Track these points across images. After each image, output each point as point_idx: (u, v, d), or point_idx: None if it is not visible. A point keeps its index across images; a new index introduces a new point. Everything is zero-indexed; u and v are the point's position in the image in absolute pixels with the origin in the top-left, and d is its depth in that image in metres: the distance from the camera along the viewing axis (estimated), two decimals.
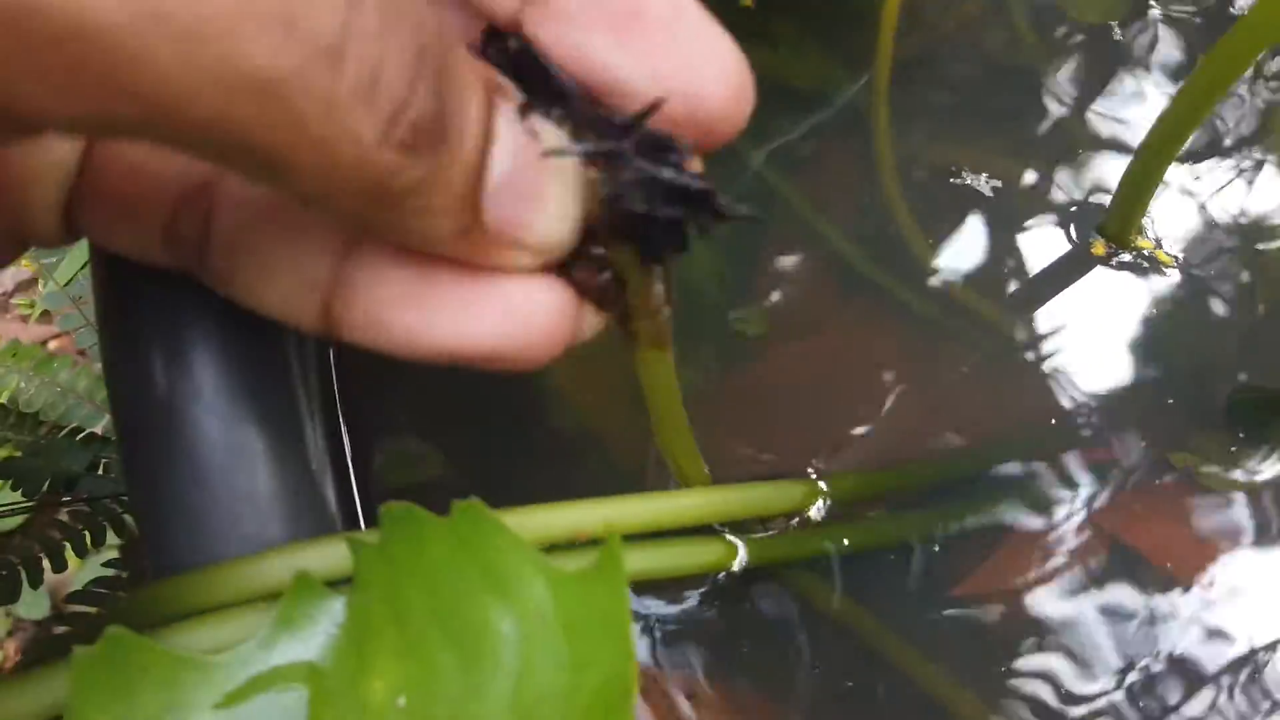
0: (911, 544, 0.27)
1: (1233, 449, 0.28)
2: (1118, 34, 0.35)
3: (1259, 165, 0.33)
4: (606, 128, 0.15)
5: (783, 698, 0.26)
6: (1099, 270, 0.31)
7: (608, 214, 0.16)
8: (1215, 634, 0.26)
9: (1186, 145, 0.29)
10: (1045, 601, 0.26)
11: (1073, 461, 0.28)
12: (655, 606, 0.27)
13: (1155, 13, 0.35)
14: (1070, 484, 0.28)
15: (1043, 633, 0.26)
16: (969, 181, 0.33)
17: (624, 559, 0.14)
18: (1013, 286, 0.31)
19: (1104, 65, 0.35)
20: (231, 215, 0.17)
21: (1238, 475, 0.28)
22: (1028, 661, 0.26)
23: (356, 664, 0.16)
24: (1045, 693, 0.26)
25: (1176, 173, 0.33)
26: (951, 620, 0.26)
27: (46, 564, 0.40)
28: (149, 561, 0.19)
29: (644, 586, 0.26)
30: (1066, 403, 0.29)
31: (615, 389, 0.30)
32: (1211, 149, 0.33)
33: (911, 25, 0.35)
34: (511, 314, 0.16)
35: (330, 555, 0.18)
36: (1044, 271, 0.31)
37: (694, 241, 0.16)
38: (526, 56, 0.15)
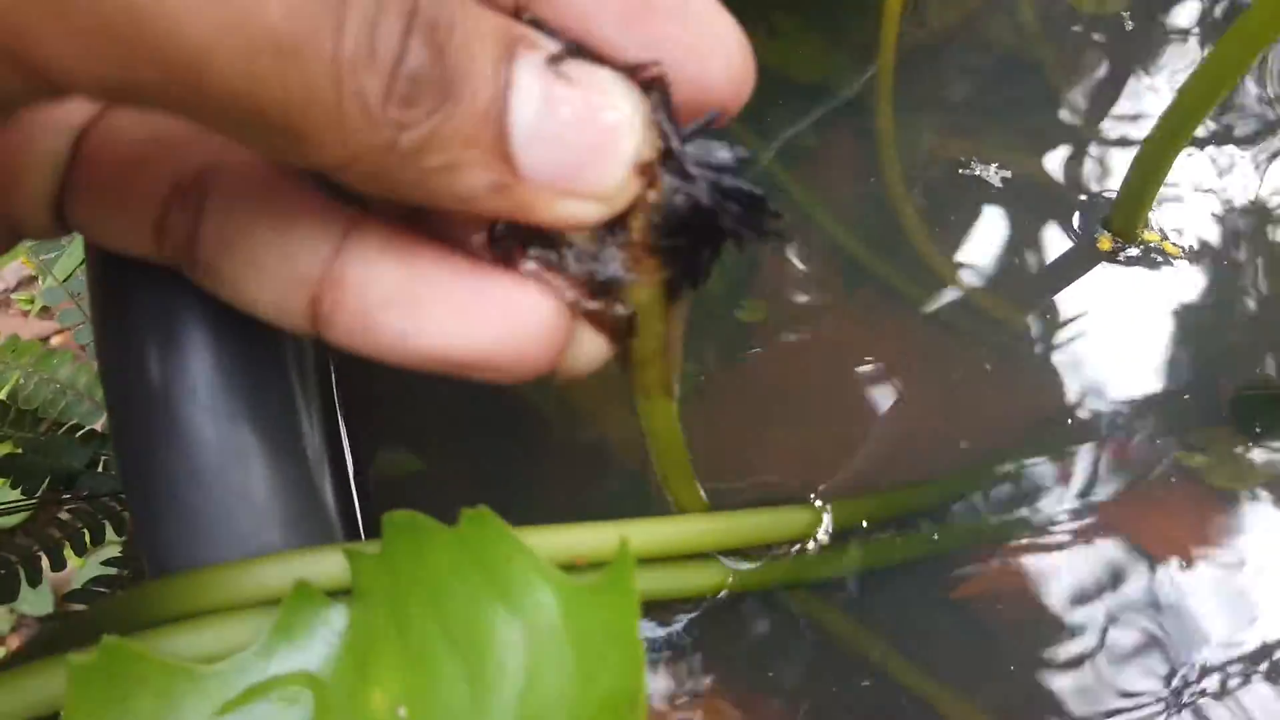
0: (916, 559, 0.27)
1: (1240, 445, 0.28)
2: (1129, 24, 0.35)
3: (1273, 157, 0.32)
4: (672, 131, 0.15)
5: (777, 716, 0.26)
6: (1105, 265, 0.31)
7: (659, 218, 0.15)
8: (1225, 632, 0.26)
9: (1195, 136, 0.29)
10: (1052, 601, 0.26)
11: (1079, 458, 0.28)
12: (645, 629, 0.26)
13: (1165, 3, 0.35)
14: (1076, 481, 0.28)
15: (1050, 633, 0.26)
16: (978, 172, 0.32)
17: (634, 570, 0.14)
18: (1019, 281, 0.31)
19: (1112, 56, 0.34)
20: (224, 208, 0.17)
21: (1245, 471, 0.28)
22: (1035, 664, 0.26)
23: (357, 674, 0.16)
24: (1054, 695, 0.25)
25: (1184, 164, 0.32)
26: (956, 625, 0.26)
27: (46, 562, 0.40)
28: (143, 560, 0.19)
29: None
30: (1073, 399, 0.29)
31: (618, 392, 0.30)
32: (1220, 140, 0.33)
33: (915, 16, 0.34)
34: (506, 320, 0.16)
35: (331, 563, 0.18)
36: (1050, 266, 0.31)
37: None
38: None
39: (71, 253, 0.45)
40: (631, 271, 0.16)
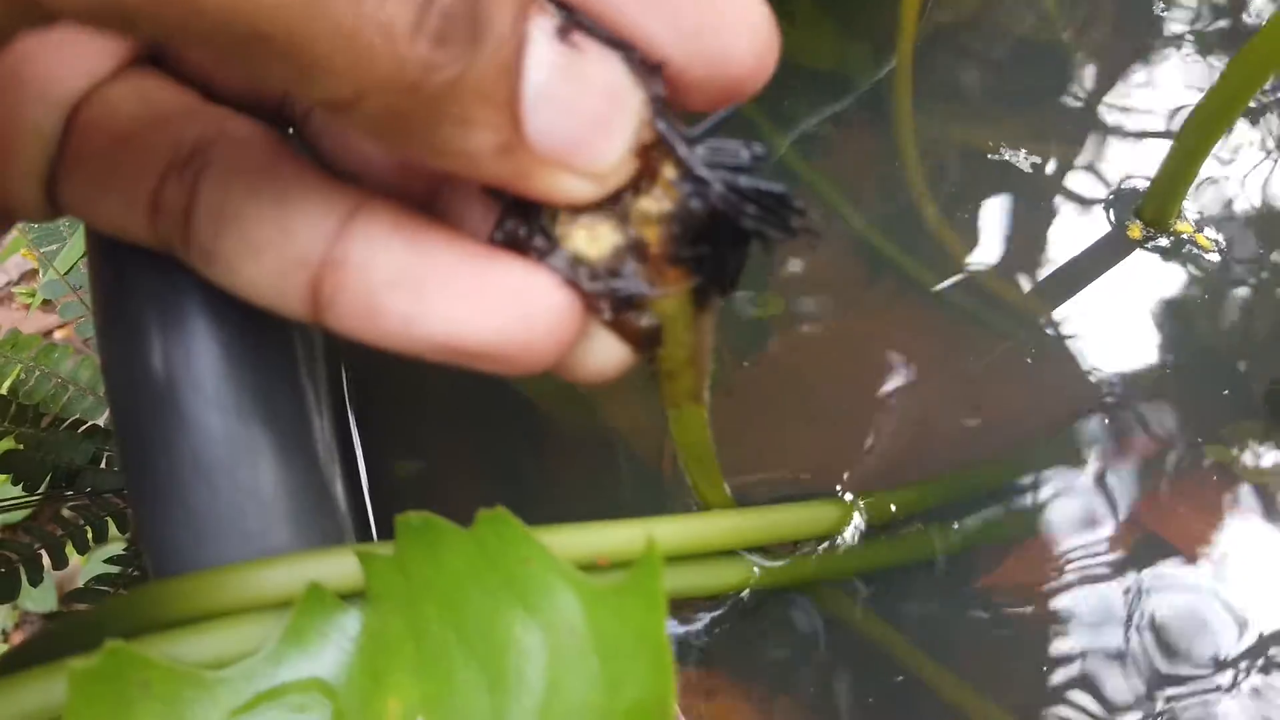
0: (940, 555, 0.27)
1: (1270, 439, 0.28)
2: (1159, 8, 0.34)
3: None
4: (677, 136, 0.15)
5: (803, 715, 0.25)
6: (1136, 254, 0.30)
7: (676, 229, 0.15)
8: (1251, 627, 0.25)
9: (1233, 125, 0.28)
10: (1075, 596, 0.26)
11: (1105, 451, 0.28)
12: (669, 627, 0.26)
13: None
14: (1102, 475, 0.27)
15: (1073, 629, 0.26)
16: (1007, 156, 0.32)
17: (662, 571, 0.13)
18: (1045, 271, 0.30)
19: (1141, 41, 0.34)
20: (221, 184, 0.16)
21: (1275, 466, 0.27)
22: (1059, 659, 0.25)
23: (371, 682, 0.15)
24: (1079, 693, 0.25)
25: (1220, 154, 0.32)
26: (980, 622, 0.26)
27: (47, 560, 0.39)
28: (146, 559, 0.19)
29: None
30: (1099, 391, 0.28)
31: (631, 384, 0.29)
32: (1259, 129, 0.32)
33: (935, 1, 0.34)
34: (514, 307, 0.15)
35: (343, 565, 0.17)
36: (1077, 257, 0.30)
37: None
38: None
39: (73, 245, 0.44)
40: (655, 286, 0.15)
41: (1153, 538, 0.26)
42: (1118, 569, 0.26)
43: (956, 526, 0.27)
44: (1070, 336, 0.29)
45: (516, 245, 0.15)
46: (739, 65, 0.15)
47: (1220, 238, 0.30)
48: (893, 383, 0.29)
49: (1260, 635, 0.25)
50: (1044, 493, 0.27)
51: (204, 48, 0.12)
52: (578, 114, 0.14)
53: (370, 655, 0.15)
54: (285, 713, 0.15)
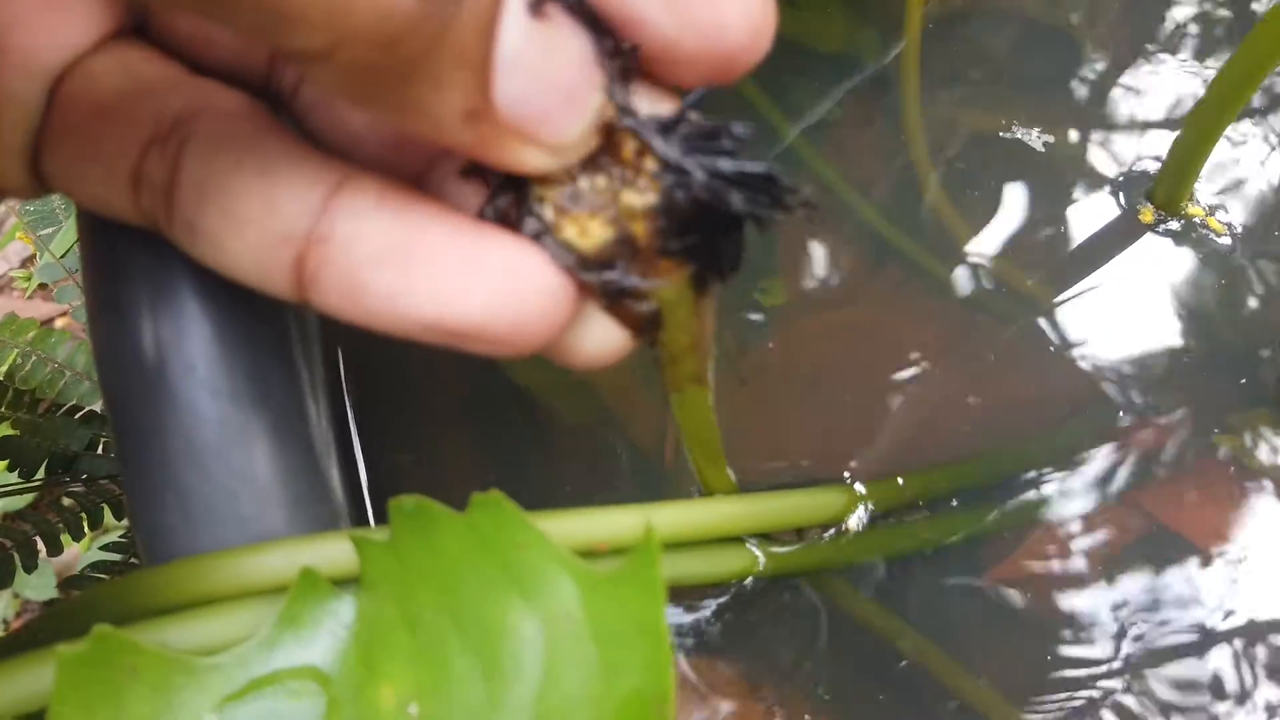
0: (947, 543, 0.26)
1: None
2: None
3: None
4: (649, 127, 0.14)
5: (810, 703, 0.25)
6: (1147, 238, 0.30)
7: (663, 222, 0.14)
8: (1259, 616, 0.25)
9: (1244, 107, 0.28)
10: (1084, 586, 0.26)
11: (1114, 440, 0.27)
12: (672, 615, 0.26)
13: None
14: (1111, 463, 0.27)
15: (1081, 619, 0.25)
16: (1019, 135, 0.31)
17: (660, 558, 0.13)
18: (1053, 256, 0.30)
19: (1150, 24, 0.33)
20: (204, 157, 0.15)
21: None
22: (1067, 648, 0.25)
23: (365, 669, 0.15)
24: (1085, 684, 0.25)
25: (1232, 136, 0.31)
26: (987, 611, 0.26)
27: (43, 548, 0.39)
28: (139, 543, 0.18)
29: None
30: (1108, 378, 0.28)
31: (630, 368, 0.29)
32: (1271, 112, 0.32)
33: None
34: (504, 285, 0.14)
35: (337, 550, 0.17)
36: (1087, 240, 0.30)
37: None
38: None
39: (69, 228, 0.44)
40: (649, 278, 0.15)
41: (1161, 528, 0.26)
42: (1125, 560, 0.26)
43: (963, 515, 0.26)
44: (1079, 322, 0.29)
45: (508, 223, 0.15)
46: (733, 40, 0.14)
47: (1233, 221, 0.30)
48: (899, 371, 0.28)
49: (1268, 626, 0.25)
50: (1051, 482, 0.27)
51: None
52: (546, 85, 0.14)
53: (364, 642, 0.15)
54: (278, 700, 0.15)
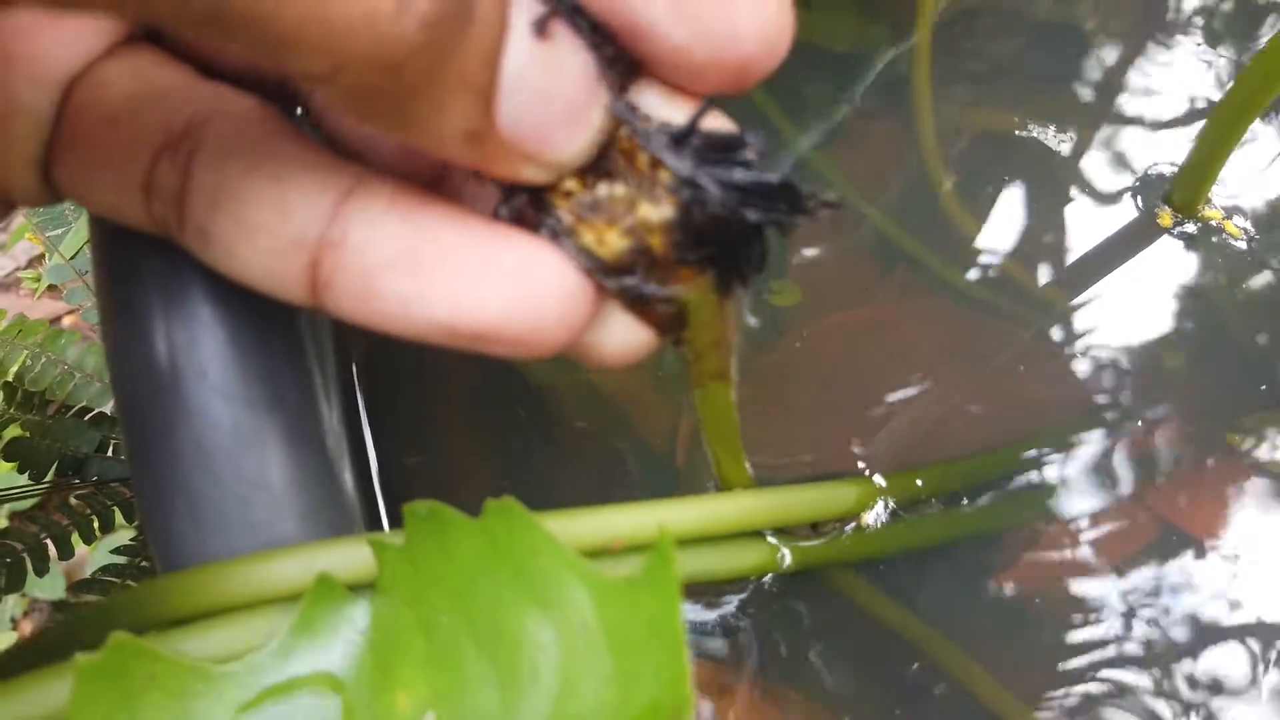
0: (962, 539, 0.26)
1: None
2: None
3: None
4: (659, 141, 0.14)
5: (825, 702, 0.25)
6: (1162, 241, 0.29)
7: (680, 236, 0.14)
8: (1270, 616, 0.25)
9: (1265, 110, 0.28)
10: (1095, 586, 0.26)
11: (1126, 440, 0.27)
12: (691, 612, 0.25)
13: None
14: (1122, 464, 0.27)
15: (1093, 618, 0.25)
16: (1035, 134, 0.31)
17: (676, 563, 0.13)
18: (1068, 258, 0.30)
19: (1164, 23, 0.33)
20: (215, 163, 0.15)
21: None
22: (1079, 648, 0.25)
23: (380, 676, 0.15)
24: (1097, 680, 0.25)
25: (1250, 140, 0.31)
26: (998, 611, 0.25)
27: (53, 550, 0.39)
28: (152, 549, 0.18)
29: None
30: (1121, 379, 0.28)
31: (641, 368, 0.29)
32: None
33: None
34: (519, 287, 0.14)
35: (352, 556, 0.16)
36: (1103, 243, 0.30)
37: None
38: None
39: (79, 229, 0.44)
40: (669, 284, 0.15)
41: (1172, 528, 0.26)
42: (1137, 559, 0.26)
43: (976, 510, 0.26)
44: (1093, 324, 0.29)
45: (524, 223, 0.15)
46: (745, 49, 0.14)
47: (1249, 226, 0.30)
48: (910, 373, 0.28)
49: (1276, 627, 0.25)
50: (1063, 481, 0.27)
51: (171, 22, 0.11)
52: (548, 105, 0.13)
53: (380, 649, 0.15)
54: (294, 707, 0.15)
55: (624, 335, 0.16)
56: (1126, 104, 0.32)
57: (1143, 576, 0.26)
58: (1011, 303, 0.29)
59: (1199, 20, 0.33)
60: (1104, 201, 0.30)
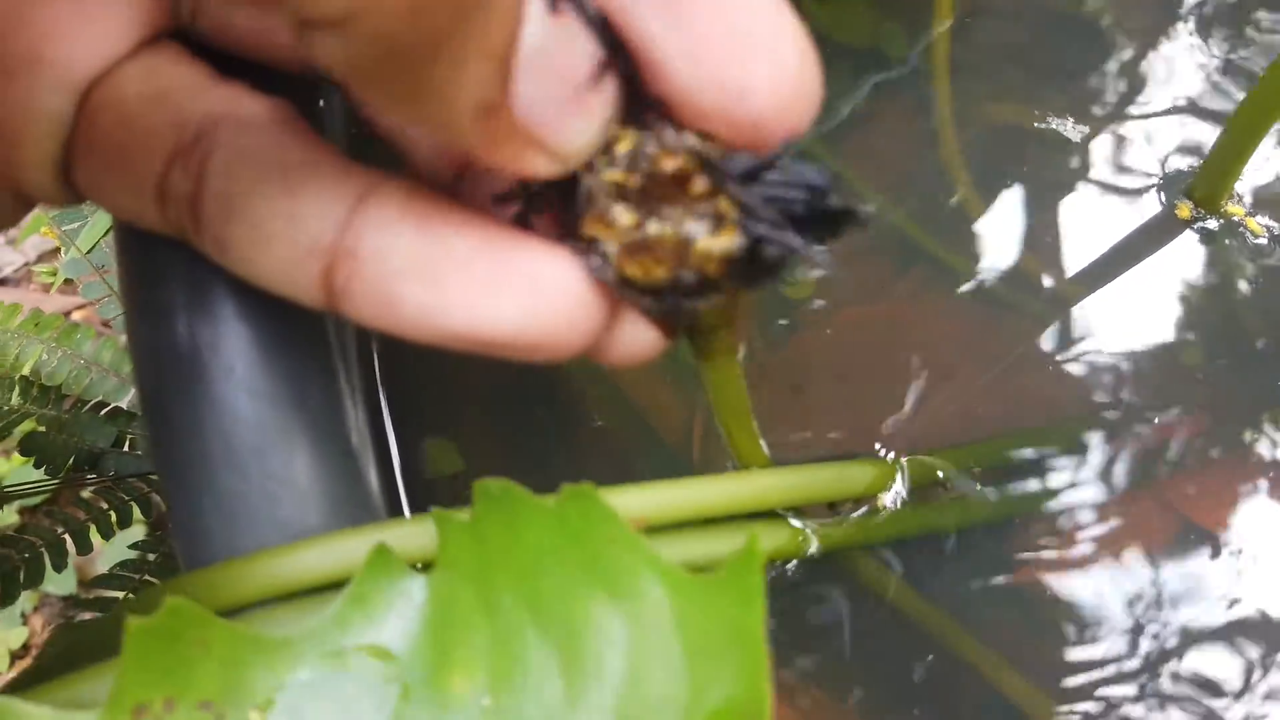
0: (979, 525, 0.26)
1: None
2: None
3: None
4: (732, 175, 0.13)
5: (841, 691, 0.25)
6: (1184, 236, 0.29)
7: (739, 265, 0.14)
8: None
9: None
10: (1112, 580, 0.26)
11: (1143, 436, 0.27)
12: None
13: None
14: (1141, 459, 0.27)
15: (1109, 613, 0.25)
16: (1052, 129, 0.31)
17: (762, 564, 0.12)
18: (1087, 253, 0.30)
19: (1180, 13, 0.33)
20: (227, 170, 0.15)
21: None
22: (1095, 642, 0.25)
23: (437, 654, 0.14)
24: (1112, 674, 0.25)
25: (1275, 135, 0.31)
26: (1014, 602, 0.25)
27: (71, 546, 0.39)
28: (177, 545, 0.18)
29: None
30: (1140, 375, 0.28)
31: (656, 367, 0.29)
32: None
33: None
34: (535, 294, 0.14)
35: (400, 539, 0.16)
36: (1124, 238, 0.30)
37: None
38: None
39: (95, 223, 0.44)
40: (707, 297, 0.15)
41: (1190, 525, 0.26)
42: (1154, 555, 0.26)
43: (993, 495, 0.26)
44: (1111, 320, 0.29)
45: (570, 248, 0.15)
46: (756, 106, 0.13)
47: (1273, 223, 0.29)
48: (925, 368, 0.28)
49: None
50: (1080, 475, 0.27)
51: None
52: (562, 85, 0.13)
53: (437, 626, 0.15)
54: (346, 680, 0.14)
55: (637, 335, 0.16)
56: (1146, 98, 0.32)
57: (1160, 572, 0.26)
58: (1029, 299, 0.29)
59: (1220, 14, 0.33)
60: (1124, 197, 0.30)
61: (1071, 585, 0.25)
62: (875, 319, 0.29)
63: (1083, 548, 0.26)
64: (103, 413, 0.42)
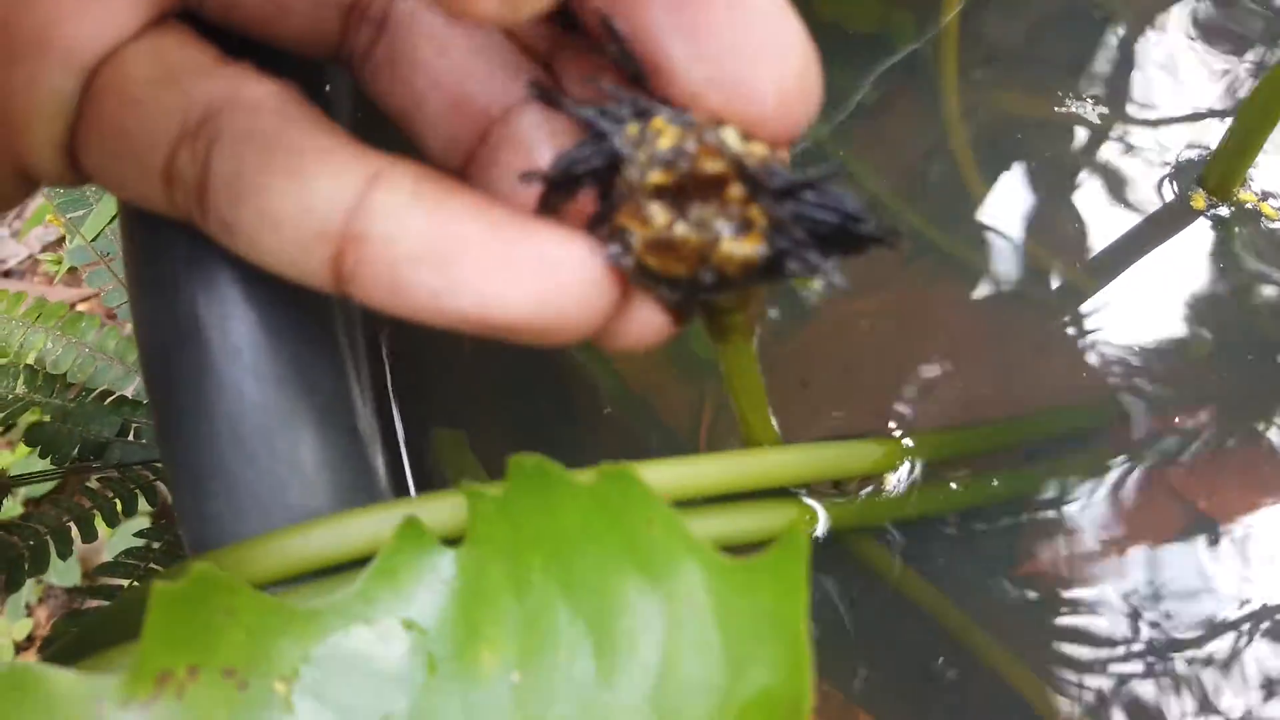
0: (984, 509, 0.26)
1: None
2: None
3: None
4: (768, 188, 0.14)
5: (843, 678, 0.25)
6: (1197, 224, 0.29)
7: (760, 271, 0.14)
8: None
9: None
10: (1119, 573, 0.25)
11: (1153, 426, 0.27)
12: None
13: None
14: (1149, 450, 0.27)
15: (1115, 606, 0.25)
16: (1060, 118, 0.31)
17: (807, 554, 0.12)
18: (1097, 244, 0.30)
19: (1195, 3, 0.33)
20: (233, 155, 0.15)
21: None
22: (1101, 634, 0.25)
23: (465, 630, 0.14)
24: (1118, 667, 0.25)
25: None
26: (1022, 592, 0.25)
27: (76, 534, 0.39)
28: (183, 531, 0.18)
29: None
30: (1151, 365, 0.28)
31: (662, 351, 0.29)
32: None
33: None
34: (546, 278, 0.14)
35: (424, 516, 0.16)
36: (1136, 226, 0.30)
37: None
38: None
39: (100, 211, 0.44)
40: (723, 291, 0.15)
41: (1199, 516, 0.26)
42: (1162, 547, 0.26)
43: (1000, 478, 0.26)
44: (1123, 309, 0.28)
45: (554, 205, 0.15)
46: (759, 106, 0.13)
47: None
48: (935, 359, 0.28)
49: None
50: (1086, 464, 0.27)
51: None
52: None
53: (466, 601, 0.14)
54: (373, 651, 0.14)
55: (647, 320, 0.15)
56: (1157, 86, 0.32)
57: (1168, 565, 0.25)
58: (1038, 289, 0.29)
59: (1229, 1, 0.33)
60: (1135, 185, 0.30)
61: (1077, 575, 0.25)
62: (883, 310, 0.29)
63: (1089, 537, 0.26)
64: (107, 401, 0.42)
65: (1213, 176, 0.29)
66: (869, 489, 0.25)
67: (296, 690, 0.14)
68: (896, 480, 0.25)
